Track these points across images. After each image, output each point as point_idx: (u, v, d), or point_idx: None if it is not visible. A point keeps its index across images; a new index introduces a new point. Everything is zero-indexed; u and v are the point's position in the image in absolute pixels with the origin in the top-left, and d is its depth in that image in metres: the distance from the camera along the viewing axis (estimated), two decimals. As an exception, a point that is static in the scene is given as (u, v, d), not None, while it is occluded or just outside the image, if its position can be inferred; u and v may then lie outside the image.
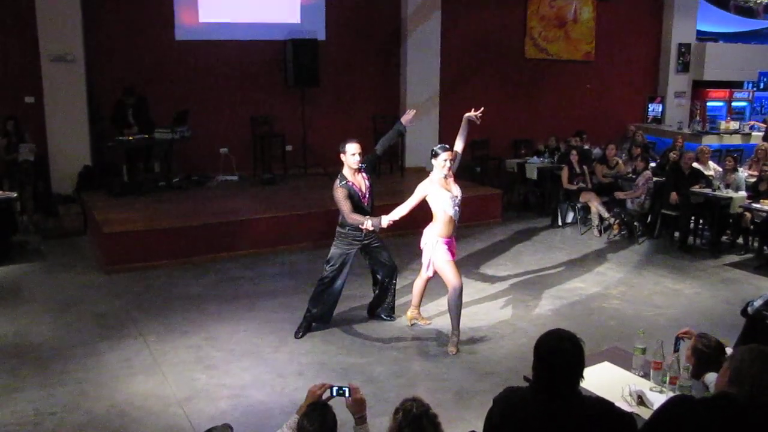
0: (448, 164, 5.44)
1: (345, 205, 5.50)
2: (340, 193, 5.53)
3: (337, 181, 5.59)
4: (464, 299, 5.82)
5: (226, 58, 10.65)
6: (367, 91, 11.61)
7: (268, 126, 10.80)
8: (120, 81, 9.70)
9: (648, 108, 14.33)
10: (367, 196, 5.70)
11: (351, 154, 5.56)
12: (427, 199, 5.47)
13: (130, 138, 9.29)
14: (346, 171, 5.62)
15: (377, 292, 6.18)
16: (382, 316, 6.24)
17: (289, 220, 8.53)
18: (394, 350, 5.66)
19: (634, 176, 9.49)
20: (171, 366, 5.31)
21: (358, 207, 5.56)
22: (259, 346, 5.70)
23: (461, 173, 8.54)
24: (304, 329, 5.91)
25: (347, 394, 2.94)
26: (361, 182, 5.67)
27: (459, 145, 5.69)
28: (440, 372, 5.28)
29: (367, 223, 5.40)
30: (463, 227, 8.52)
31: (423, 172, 5.70)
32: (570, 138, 11.19)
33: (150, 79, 9.90)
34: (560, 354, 2.53)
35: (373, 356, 5.53)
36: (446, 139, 5.92)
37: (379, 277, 6.09)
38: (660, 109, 14.32)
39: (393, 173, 11.24)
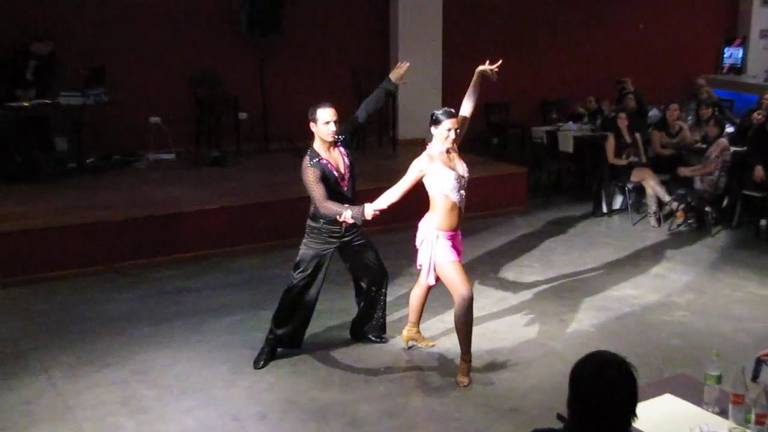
0: (452, 135, 5.41)
1: (317, 191, 5.48)
2: (310, 175, 5.50)
3: (307, 159, 5.57)
4: (477, 313, 5.82)
5: (158, -1, 10.61)
6: (346, 39, 11.62)
7: (214, 87, 10.79)
8: (15, 27, 9.61)
9: (724, 54, 14.35)
10: (346, 177, 5.69)
11: (324, 122, 5.54)
12: (424, 180, 5.45)
13: (26, 104, 9.22)
14: (317, 145, 5.61)
15: (362, 305, 6.18)
16: (370, 336, 6.25)
17: (245, 212, 8.54)
18: (386, 382, 5.66)
19: (704, 146, 9.51)
20: (87, 410, 5.28)
21: (334, 192, 5.54)
22: (207, 380, 5.69)
23: (472, 146, 8.57)
24: (267, 356, 5.91)
25: None
26: (338, 160, 5.66)
27: (467, 108, 5.68)
28: (447, 410, 5.28)
29: (347, 214, 5.38)
30: (475, 218, 8.55)
31: (421, 146, 5.67)
32: (625, 80, 11.25)
33: (54, 26, 9.81)
34: (604, 385, 2.55)
35: (358, 391, 5.53)
36: (451, 102, 5.89)
37: (363, 285, 6.09)
38: (740, 55, 14.35)
39: (382, 147, 11.26)
